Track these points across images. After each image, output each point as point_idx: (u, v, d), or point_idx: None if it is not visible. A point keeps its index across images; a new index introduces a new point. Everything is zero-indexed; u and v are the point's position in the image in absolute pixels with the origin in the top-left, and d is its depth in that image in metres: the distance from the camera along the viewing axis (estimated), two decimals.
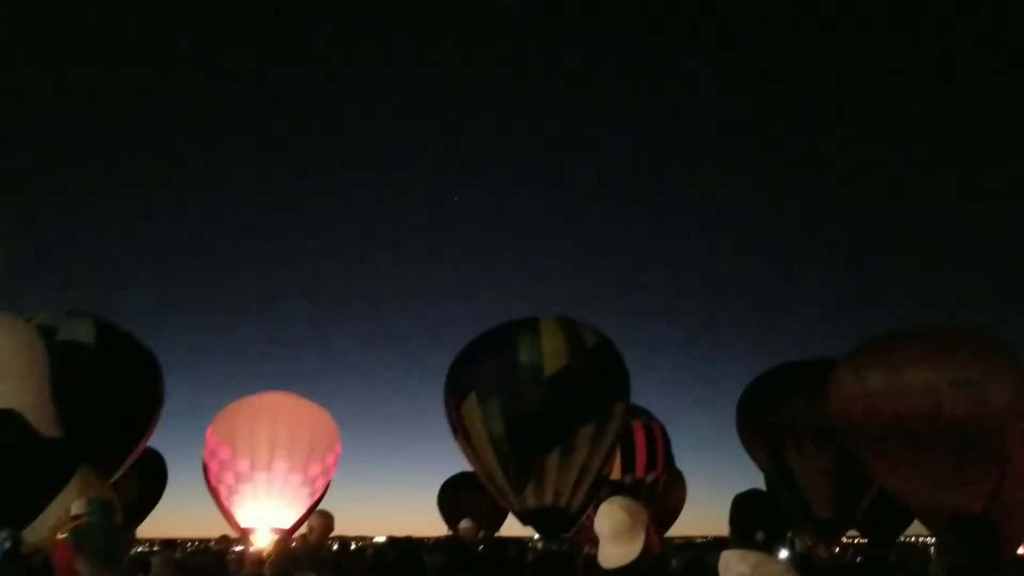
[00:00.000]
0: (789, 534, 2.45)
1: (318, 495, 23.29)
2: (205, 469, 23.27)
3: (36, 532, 9.39)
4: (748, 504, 2.70)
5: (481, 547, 11.33)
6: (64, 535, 6.70)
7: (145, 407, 18.25)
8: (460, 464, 30.73)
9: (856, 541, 28.75)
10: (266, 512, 21.77)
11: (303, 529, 17.43)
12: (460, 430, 20.72)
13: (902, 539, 28.32)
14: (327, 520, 5.20)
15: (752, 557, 2.51)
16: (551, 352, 19.73)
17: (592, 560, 12.14)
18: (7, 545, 8.72)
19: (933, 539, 23.44)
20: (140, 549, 30.81)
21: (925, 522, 17.63)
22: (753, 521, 2.63)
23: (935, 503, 16.02)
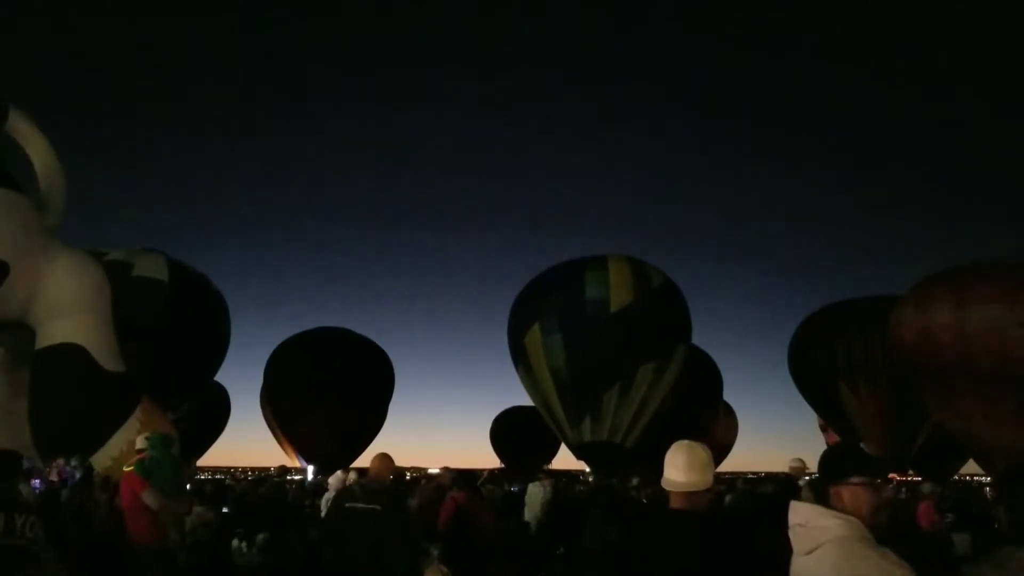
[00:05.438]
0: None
1: (374, 428, 23.84)
2: (264, 402, 23.93)
3: (99, 462, 9.71)
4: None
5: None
6: (130, 467, 6.95)
7: (213, 346, 18.65)
8: (511, 400, 31.13)
9: (910, 479, 28.59)
10: (323, 444, 22.35)
11: (360, 462, 17.78)
12: (522, 360, 20.99)
13: (955, 478, 28.10)
14: (389, 462, 5.34)
15: (806, 509, 2.48)
16: (618, 289, 19.87)
17: (649, 493, 12.28)
18: (77, 474, 9.06)
19: (988, 478, 23.21)
20: (202, 477, 31.97)
21: (981, 461, 17.40)
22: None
23: (995, 442, 15.80)
